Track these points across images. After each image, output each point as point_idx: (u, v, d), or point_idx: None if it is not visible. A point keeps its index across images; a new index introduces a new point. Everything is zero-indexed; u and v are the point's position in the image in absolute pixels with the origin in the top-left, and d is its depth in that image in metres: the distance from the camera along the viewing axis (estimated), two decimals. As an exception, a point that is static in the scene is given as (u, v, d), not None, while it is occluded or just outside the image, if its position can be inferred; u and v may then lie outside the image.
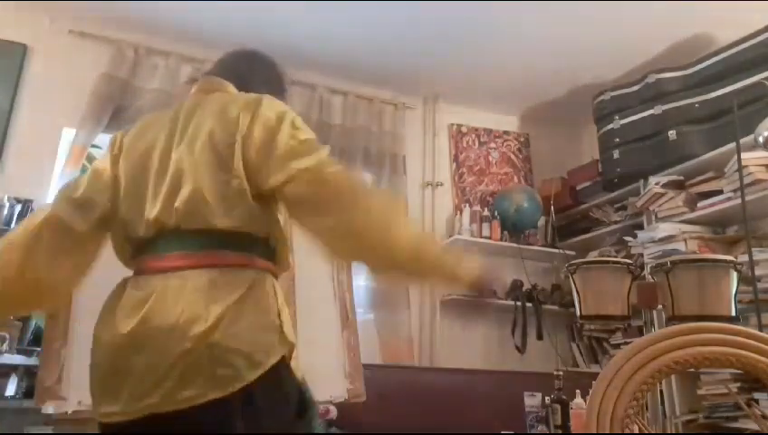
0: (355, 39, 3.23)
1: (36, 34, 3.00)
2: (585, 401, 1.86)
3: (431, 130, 3.79)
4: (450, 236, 3.53)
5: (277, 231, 1.21)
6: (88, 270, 1.36)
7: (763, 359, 1.05)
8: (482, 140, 3.91)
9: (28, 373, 2.38)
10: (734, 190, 2.51)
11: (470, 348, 3.45)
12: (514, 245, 3.49)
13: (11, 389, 2.36)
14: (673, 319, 1.79)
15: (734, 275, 1.79)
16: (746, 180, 2.36)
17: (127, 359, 1.08)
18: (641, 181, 3.04)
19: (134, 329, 1.08)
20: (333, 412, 2.42)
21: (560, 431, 2.27)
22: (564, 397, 2.30)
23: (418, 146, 3.74)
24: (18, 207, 2.68)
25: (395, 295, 3.29)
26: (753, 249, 2.14)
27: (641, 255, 2.88)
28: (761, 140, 2.03)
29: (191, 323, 1.03)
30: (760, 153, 2.40)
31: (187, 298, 1.06)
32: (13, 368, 2.39)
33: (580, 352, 3.50)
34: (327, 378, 2.12)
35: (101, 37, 3.06)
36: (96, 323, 1.22)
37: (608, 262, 2.07)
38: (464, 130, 3.88)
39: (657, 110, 2.97)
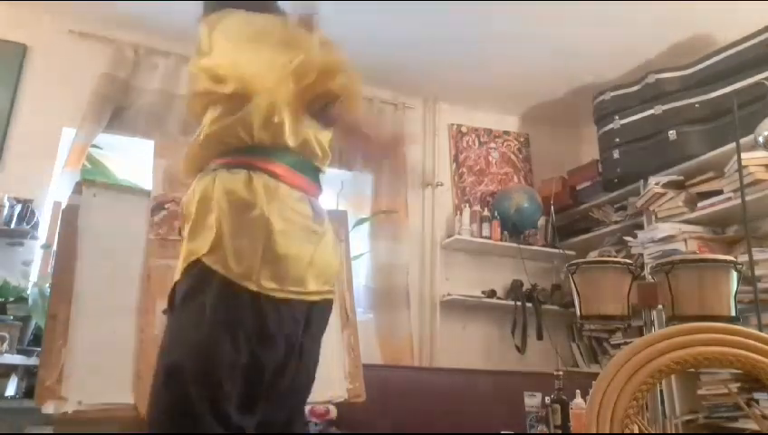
0: (355, 39, 3.22)
1: (36, 34, 3.00)
2: (585, 401, 1.87)
3: (431, 130, 3.79)
4: (450, 236, 3.53)
5: None
6: None
7: (763, 359, 1.05)
8: (482, 140, 3.91)
9: (28, 373, 2.38)
10: (734, 190, 2.51)
11: (470, 348, 3.45)
12: (514, 245, 3.49)
13: (11, 389, 2.36)
14: (673, 319, 1.79)
15: (734, 275, 1.79)
16: (746, 180, 2.36)
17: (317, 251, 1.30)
18: (641, 181, 3.04)
19: (323, 232, 1.34)
20: (333, 412, 2.42)
21: (560, 431, 2.28)
22: (564, 397, 2.30)
23: (418, 146, 3.74)
24: (18, 207, 2.68)
25: (395, 295, 3.29)
26: (753, 249, 2.14)
27: (641, 255, 2.88)
28: (761, 140, 2.04)
29: (335, 237, 1.42)
30: (760, 153, 2.40)
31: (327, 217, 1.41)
32: (13, 368, 2.39)
33: (580, 352, 3.50)
34: (327, 378, 2.12)
35: (101, 37, 3.06)
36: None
37: (608, 262, 2.07)
38: (464, 130, 3.88)
39: (657, 110, 2.97)
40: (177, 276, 1.26)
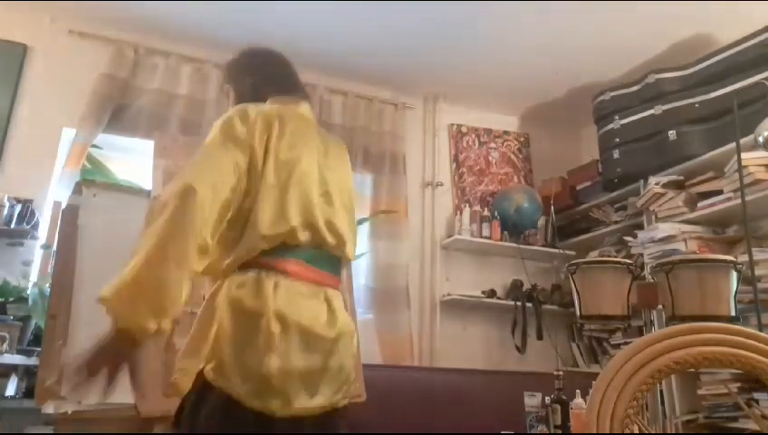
0: (355, 39, 3.23)
1: (36, 34, 3.00)
2: (585, 401, 1.87)
3: (431, 130, 3.79)
4: (450, 236, 3.53)
5: None
6: None
7: (763, 359, 1.05)
8: (482, 140, 3.91)
9: (28, 373, 2.38)
10: (734, 190, 2.51)
11: (470, 348, 3.45)
12: (514, 245, 3.49)
13: (11, 389, 2.36)
14: (673, 319, 1.79)
15: (734, 275, 1.79)
16: (746, 180, 2.36)
17: (327, 360, 1.24)
18: (641, 181, 3.04)
19: (335, 336, 1.26)
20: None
21: (560, 431, 2.28)
22: (564, 397, 2.30)
23: (418, 146, 3.74)
24: (18, 207, 2.68)
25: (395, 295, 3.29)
26: (753, 249, 2.14)
27: (641, 255, 2.88)
28: (761, 140, 2.03)
29: (353, 334, 1.33)
30: (760, 153, 2.40)
31: (344, 313, 1.33)
32: (13, 368, 2.39)
33: (580, 352, 3.50)
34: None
35: (101, 37, 3.06)
36: (291, 315, 1.20)
37: (608, 262, 2.07)
38: (464, 130, 3.88)
39: (657, 110, 2.97)
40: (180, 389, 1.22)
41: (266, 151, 1.27)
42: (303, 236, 1.26)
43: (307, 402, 1.17)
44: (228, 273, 1.24)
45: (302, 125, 1.40)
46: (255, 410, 1.11)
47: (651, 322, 1.98)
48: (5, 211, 2.66)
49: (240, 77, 1.56)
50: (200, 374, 1.16)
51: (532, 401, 2.48)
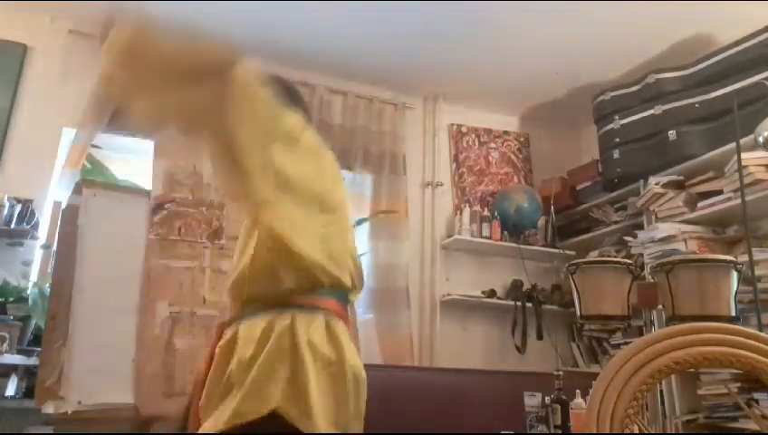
0: (355, 39, 3.23)
1: (36, 34, 3.00)
2: (585, 401, 1.86)
3: (431, 130, 3.79)
4: (450, 236, 3.53)
5: None
6: None
7: (763, 359, 1.05)
8: (482, 140, 3.91)
9: (28, 373, 2.38)
10: (734, 190, 2.51)
11: (470, 348, 3.45)
12: (514, 245, 3.49)
13: (11, 389, 2.36)
14: (673, 319, 1.79)
15: (734, 275, 1.79)
16: (746, 180, 2.36)
17: None
18: (641, 181, 3.03)
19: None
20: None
21: (560, 431, 2.27)
22: (564, 397, 2.30)
23: (418, 146, 3.74)
24: (18, 207, 2.68)
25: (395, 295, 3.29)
26: (753, 249, 2.14)
27: (641, 255, 2.88)
28: (761, 140, 2.03)
29: None
30: (760, 153, 2.40)
31: None
32: (13, 368, 2.39)
33: (580, 352, 3.50)
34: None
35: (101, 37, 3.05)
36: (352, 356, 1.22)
37: (608, 262, 2.07)
38: (464, 130, 3.88)
39: (657, 110, 2.97)
40: (224, 415, 1.09)
41: None
42: (347, 279, 1.27)
43: None
44: (279, 304, 1.18)
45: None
46: None
47: (651, 322, 1.98)
48: (5, 211, 2.66)
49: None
50: (270, 415, 1.08)
51: (532, 401, 2.47)
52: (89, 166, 2.99)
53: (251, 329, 1.15)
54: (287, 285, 1.17)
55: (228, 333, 1.21)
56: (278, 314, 1.15)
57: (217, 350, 1.20)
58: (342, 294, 1.26)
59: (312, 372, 1.10)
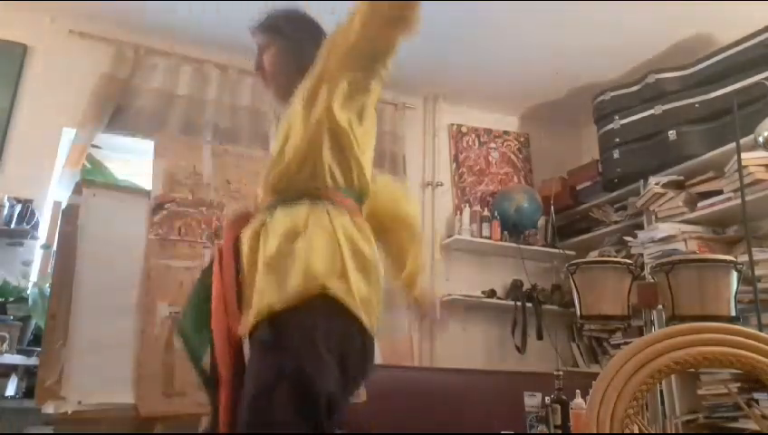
0: (355, 39, 3.22)
1: (36, 34, 3.00)
2: (585, 401, 1.87)
3: (431, 130, 3.79)
4: (450, 236, 3.53)
5: None
6: None
7: (763, 359, 1.05)
8: (482, 140, 3.91)
9: (28, 373, 2.38)
10: (734, 190, 2.51)
11: (470, 348, 3.45)
12: (514, 245, 3.49)
13: (11, 389, 2.36)
14: (673, 319, 1.79)
15: (734, 275, 1.79)
16: (746, 180, 2.36)
17: None
18: (641, 181, 3.03)
19: None
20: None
21: (560, 431, 2.27)
22: (564, 397, 2.30)
23: (418, 146, 3.74)
24: (18, 207, 2.68)
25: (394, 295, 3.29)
26: (753, 249, 2.14)
27: (641, 255, 2.88)
28: (761, 140, 2.03)
29: None
30: (760, 153, 2.40)
31: None
32: (13, 368, 2.39)
33: (580, 352, 3.50)
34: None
35: (101, 37, 3.06)
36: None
37: (608, 262, 2.07)
38: (464, 130, 3.88)
39: (657, 110, 2.97)
40: (275, 297, 1.18)
41: None
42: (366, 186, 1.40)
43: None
44: (323, 202, 1.29)
45: None
46: (361, 323, 1.22)
47: (651, 322, 1.98)
48: (5, 211, 2.66)
49: (303, 39, 1.54)
50: (318, 286, 1.18)
51: (532, 401, 2.47)
52: (89, 166, 3.00)
53: (288, 215, 1.27)
54: (326, 181, 1.30)
55: (256, 222, 1.32)
56: (313, 205, 1.28)
57: (245, 240, 1.31)
58: (360, 199, 1.39)
59: (349, 257, 1.23)
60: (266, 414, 1.09)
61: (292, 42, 1.53)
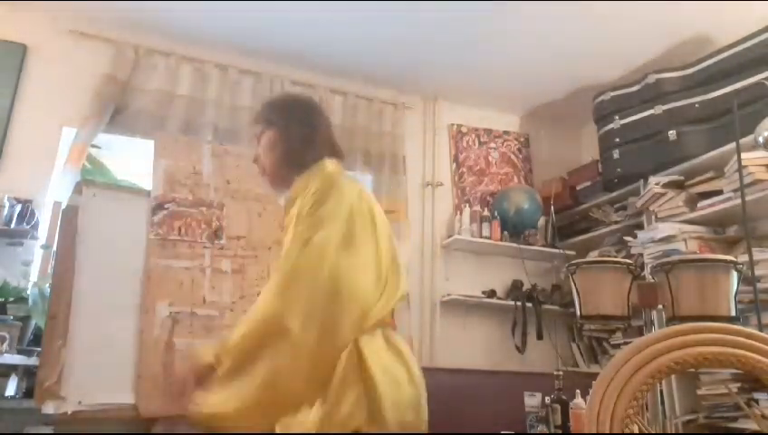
0: (355, 39, 3.22)
1: (36, 34, 3.00)
2: (585, 401, 1.87)
3: (431, 130, 3.79)
4: (450, 236, 3.53)
5: None
6: None
7: (763, 359, 1.05)
8: (482, 140, 3.91)
9: (28, 373, 2.37)
10: (734, 190, 2.51)
11: (470, 348, 3.45)
12: (514, 245, 3.49)
13: (11, 389, 2.36)
14: (673, 319, 1.79)
15: (735, 275, 1.79)
16: (746, 180, 2.36)
17: None
18: (641, 181, 3.03)
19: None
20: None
21: (560, 431, 2.28)
22: (564, 397, 2.30)
23: (418, 146, 3.74)
24: (18, 207, 2.68)
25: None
26: (753, 249, 2.14)
27: (641, 255, 2.88)
28: (761, 140, 2.03)
29: None
30: (760, 153, 2.40)
31: None
32: (13, 368, 2.39)
33: (581, 352, 3.50)
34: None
35: (101, 37, 3.06)
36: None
37: (608, 262, 2.07)
38: (464, 130, 3.88)
39: (657, 110, 2.97)
40: None
41: None
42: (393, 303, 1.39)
43: None
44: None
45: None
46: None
47: (651, 322, 1.98)
48: (5, 211, 2.66)
49: (289, 125, 1.52)
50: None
51: (532, 401, 2.48)
52: (89, 166, 2.99)
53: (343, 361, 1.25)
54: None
55: None
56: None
57: None
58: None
59: (381, 383, 1.21)
60: None
61: (278, 128, 1.53)
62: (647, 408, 1.88)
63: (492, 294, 3.48)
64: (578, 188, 3.62)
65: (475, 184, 3.79)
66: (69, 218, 2.15)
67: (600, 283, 1.94)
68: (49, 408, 1.87)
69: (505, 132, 3.99)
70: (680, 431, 2.43)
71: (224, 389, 1.17)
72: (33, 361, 2.33)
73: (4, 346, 2.36)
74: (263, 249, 2.41)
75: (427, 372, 3.24)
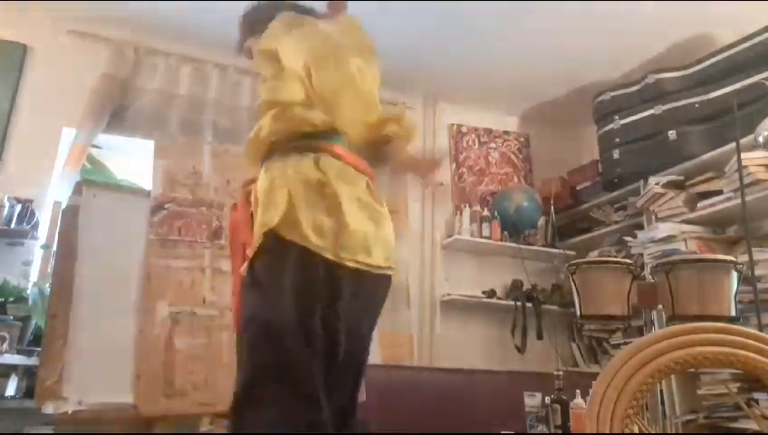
0: (355, 39, 3.22)
1: (36, 34, 3.00)
2: (585, 401, 1.87)
3: (431, 130, 3.79)
4: (450, 236, 3.53)
5: None
6: None
7: (763, 359, 1.05)
8: (482, 140, 3.91)
9: (28, 373, 2.37)
10: (734, 190, 2.51)
11: (470, 348, 3.45)
12: (514, 245, 3.49)
13: (11, 389, 2.36)
14: (673, 319, 1.79)
15: (735, 275, 1.79)
16: (746, 180, 2.36)
17: (377, 229, 1.43)
18: (641, 181, 3.03)
19: (383, 210, 1.52)
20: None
21: (560, 431, 2.28)
22: (564, 397, 2.30)
23: (418, 146, 3.74)
24: (18, 207, 2.68)
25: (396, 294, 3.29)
26: (753, 249, 2.14)
27: (641, 255, 2.88)
28: (761, 140, 2.04)
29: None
30: (760, 153, 2.40)
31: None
32: (13, 368, 2.39)
33: (581, 352, 3.50)
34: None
35: (101, 37, 3.06)
36: None
37: (608, 262, 2.07)
38: (464, 130, 3.88)
39: (657, 110, 2.97)
40: (250, 253, 1.32)
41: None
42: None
43: (366, 259, 1.33)
44: (286, 154, 1.38)
45: None
46: (328, 259, 1.27)
47: (651, 322, 1.98)
48: (5, 211, 2.66)
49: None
50: (271, 233, 1.27)
51: (532, 401, 2.48)
52: (89, 166, 3.00)
53: (261, 174, 1.40)
54: (286, 144, 1.40)
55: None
56: (280, 159, 1.38)
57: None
58: (336, 138, 1.43)
59: (301, 193, 1.30)
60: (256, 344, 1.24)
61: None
62: (647, 408, 1.88)
63: (492, 293, 3.48)
64: (578, 187, 3.62)
65: (475, 184, 3.79)
66: (69, 218, 2.15)
67: (600, 283, 1.94)
68: (49, 408, 1.87)
69: (505, 132, 3.99)
70: (680, 431, 2.42)
71: None
72: (33, 361, 2.33)
73: (4, 346, 2.36)
74: (263, 249, 2.41)
75: (428, 372, 3.26)
